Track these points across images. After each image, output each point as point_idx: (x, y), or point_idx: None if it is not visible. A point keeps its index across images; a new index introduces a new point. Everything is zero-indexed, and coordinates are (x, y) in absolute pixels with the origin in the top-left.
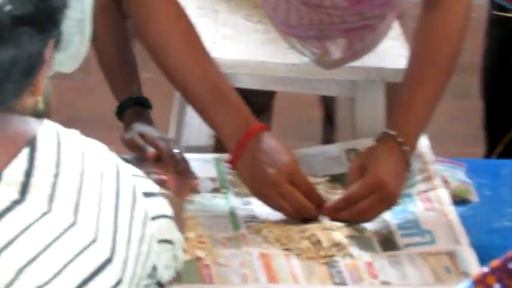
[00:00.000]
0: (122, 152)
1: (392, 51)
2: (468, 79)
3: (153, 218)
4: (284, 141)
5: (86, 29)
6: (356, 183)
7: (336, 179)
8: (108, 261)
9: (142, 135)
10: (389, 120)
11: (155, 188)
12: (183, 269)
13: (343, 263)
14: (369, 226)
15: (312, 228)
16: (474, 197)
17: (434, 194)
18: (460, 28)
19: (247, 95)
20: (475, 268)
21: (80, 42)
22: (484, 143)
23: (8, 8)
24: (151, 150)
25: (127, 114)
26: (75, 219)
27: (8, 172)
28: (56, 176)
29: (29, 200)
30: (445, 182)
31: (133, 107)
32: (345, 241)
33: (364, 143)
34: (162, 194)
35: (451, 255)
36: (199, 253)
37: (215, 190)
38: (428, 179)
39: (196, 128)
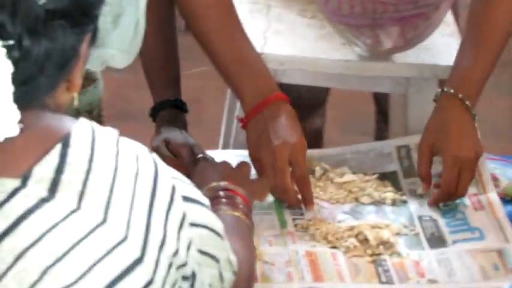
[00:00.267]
0: None
1: (446, 48)
2: None
3: (193, 224)
4: (339, 135)
5: (140, 25)
6: (444, 174)
7: (386, 177)
8: (139, 261)
9: (167, 142)
10: (448, 81)
11: (199, 196)
12: None
13: (390, 261)
14: (418, 225)
15: (359, 226)
16: None
17: (485, 198)
18: None
19: (300, 90)
20: None
21: (133, 38)
22: None
23: (42, 1)
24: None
25: (159, 116)
26: (105, 217)
27: (38, 169)
28: (88, 172)
29: (58, 197)
30: (495, 180)
31: (168, 110)
32: (392, 239)
33: (416, 140)
34: (230, 215)
35: (500, 252)
36: None
37: None
38: (479, 182)
39: None
